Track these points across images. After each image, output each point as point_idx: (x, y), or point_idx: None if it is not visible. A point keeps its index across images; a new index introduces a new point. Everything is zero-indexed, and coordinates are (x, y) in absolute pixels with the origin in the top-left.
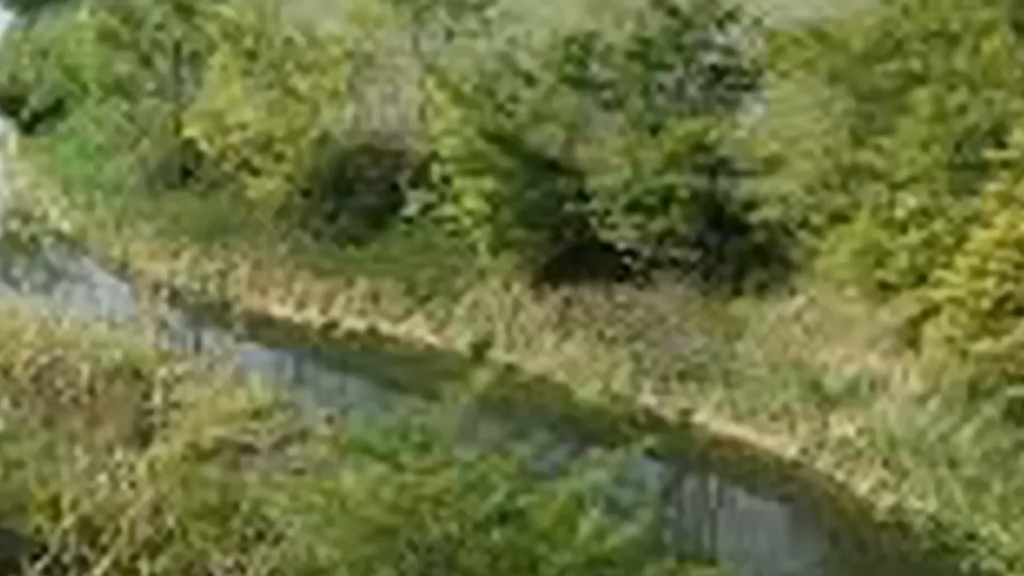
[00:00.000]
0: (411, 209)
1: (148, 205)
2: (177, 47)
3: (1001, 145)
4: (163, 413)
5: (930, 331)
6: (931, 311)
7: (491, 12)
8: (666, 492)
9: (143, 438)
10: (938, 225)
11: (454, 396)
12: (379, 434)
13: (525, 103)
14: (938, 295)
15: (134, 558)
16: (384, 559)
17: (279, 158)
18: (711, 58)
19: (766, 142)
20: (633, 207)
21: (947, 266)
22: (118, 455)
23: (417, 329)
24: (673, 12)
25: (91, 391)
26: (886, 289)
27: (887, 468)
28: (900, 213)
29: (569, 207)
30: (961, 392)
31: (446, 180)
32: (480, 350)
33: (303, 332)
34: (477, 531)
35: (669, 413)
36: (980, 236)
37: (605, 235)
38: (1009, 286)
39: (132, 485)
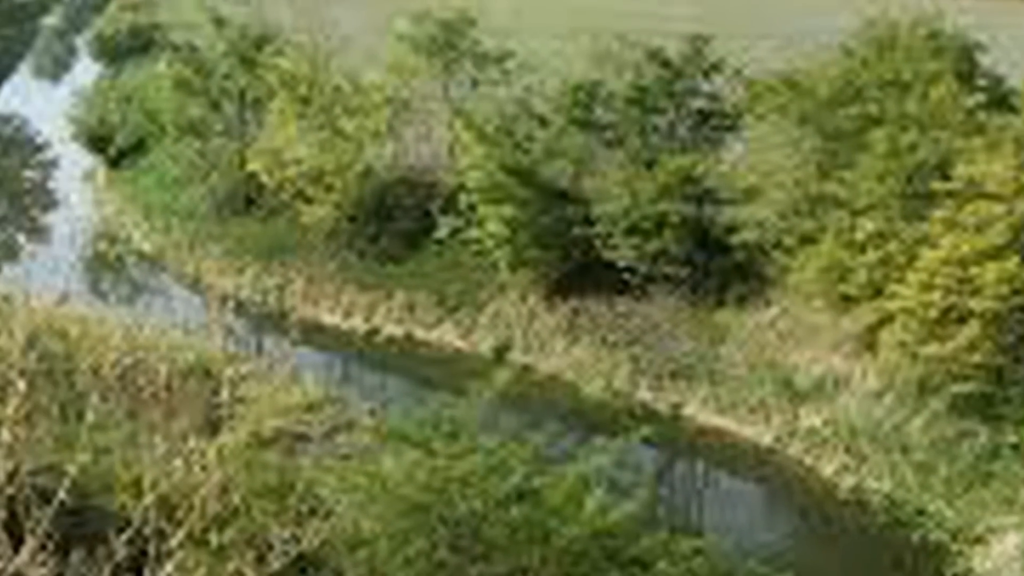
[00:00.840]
0: (442, 232)
1: (217, 229)
2: (242, 94)
3: (946, 178)
4: (230, 407)
5: (885, 337)
6: (886, 319)
7: (510, 64)
8: (660, 474)
9: (212, 428)
10: (892, 246)
11: (478, 392)
12: (414, 424)
13: (539, 142)
14: (892, 306)
15: (205, 531)
16: (418, 531)
17: (329, 189)
18: (698, 103)
19: (745, 175)
20: (631, 231)
21: (900, 281)
22: (191, 443)
23: (447, 335)
24: (666, 64)
25: (168, 388)
26: (848, 301)
27: (848, 454)
28: (860, 236)
29: (577, 230)
30: (912, 389)
31: (472, 207)
32: (501, 353)
33: (349, 337)
34: (498, 507)
35: (662, 407)
36: (928, 256)
37: (608, 254)
38: (953, 298)
39: (203, 468)
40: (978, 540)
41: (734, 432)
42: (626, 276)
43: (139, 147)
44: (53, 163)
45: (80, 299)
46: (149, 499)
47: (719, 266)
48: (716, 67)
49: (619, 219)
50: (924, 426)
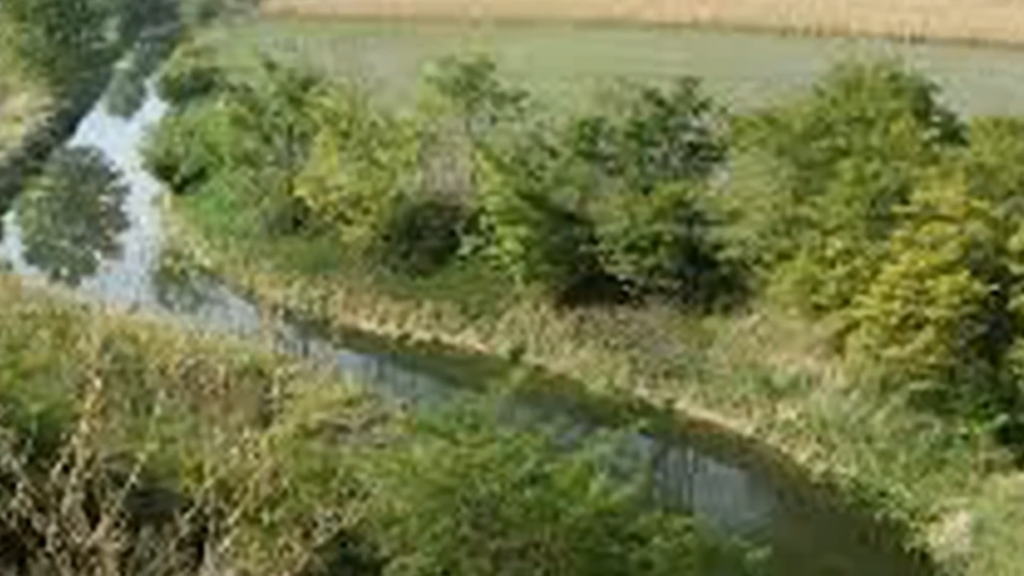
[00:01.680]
0: (465, 250)
1: (268, 246)
2: (290, 129)
3: (905, 202)
4: (279, 402)
5: (852, 341)
6: (853, 326)
7: (524, 103)
8: (655, 461)
9: (264, 421)
10: (858, 262)
11: (496, 389)
12: (440, 417)
13: (550, 170)
14: (858, 314)
15: (258, 510)
16: (444, 511)
17: (366, 212)
18: (689, 137)
19: (729, 200)
20: (630, 248)
21: (865, 292)
22: (246, 433)
23: (469, 339)
24: (660, 103)
25: (226, 385)
26: (819, 309)
27: (820, 443)
28: (829, 253)
29: (583, 248)
30: (875, 386)
31: (491, 228)
32: (516, 355)
33: (384, 342)
34: (514, 490)
35: (657, 402)
36: (889, 270)
37: (609, 269)
38: (911, 308)
39: (256, 456)
40: (933, 518)
41: (720, 424)
42: (626, 288)
43: (200, 175)
44: (125, 189)
45: (149, 308)
46: (209, 483)
47: (707, 279)
48: (704, 105)
49: (619, 238)
50: (886, 419)
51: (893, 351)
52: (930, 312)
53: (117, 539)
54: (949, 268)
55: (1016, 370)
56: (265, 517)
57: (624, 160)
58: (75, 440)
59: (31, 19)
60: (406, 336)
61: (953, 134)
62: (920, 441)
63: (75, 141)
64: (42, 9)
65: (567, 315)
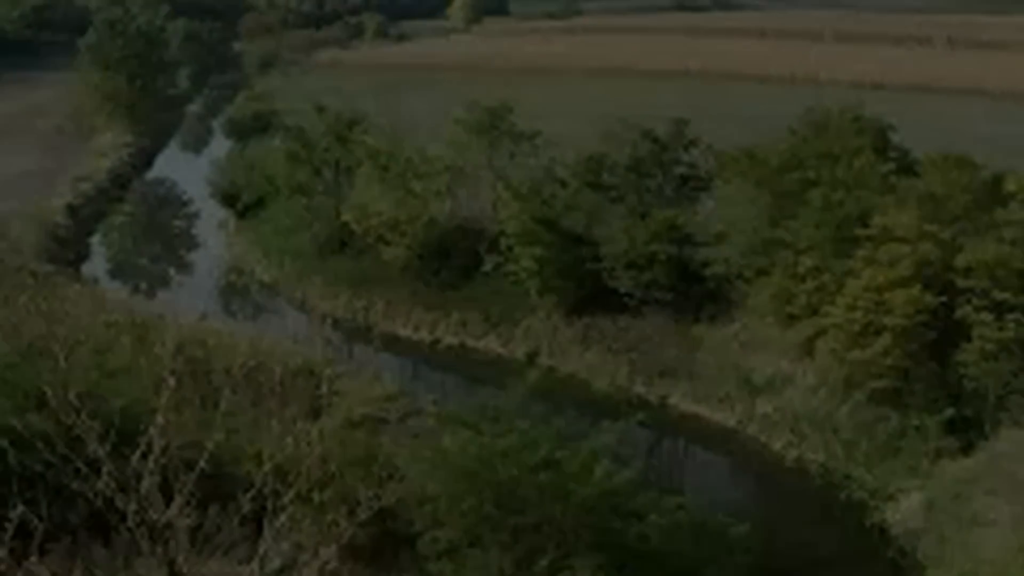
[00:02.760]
0: (487, 267)
1: (318, 264)
2: (337, 163)
3: (866, 226)
4: (328, 398)
5: (820, 345)
6: (821, 332)
7: (539, 141)
8: (651, 449)
9: (315, 414)
10: (826, 277)
11: (515, 387)
12: (467, 411)
13: (560, 199)
14: (826, 322)
15: (309, 491)
16: (469, 492)
17: (403, 234)
18: (680, 170)
19: (715, 224)
20: (630, 265)
21: (831, 303)
22: (299, 425)
23: (491, 344)
24: (655, 140)
25: (282, 384)
26: (792, 318)
27: (793, 433)
28: (801, 270)
29: (589, 265)
30: (841, 384)
31: (510, 248)
32: (531, 357)
33: (418, 346)
34: (530, 474)
35: (653, 398)
36: (852, 284)
37: (612, 283)
38: (871, 316)
39: (308, 444)
40: (890, 498)
41: (707, 417)
42: (626, 300)
43: (260, 203)
44: (195, 215)
45: (216, 317)
46: (267, 467)
47: (696, 292)
48: (693, 143)
49: (620, 257)
50: (849, 412)
51: (856, 354)
52: (888, 320)
53: (188, 516)
54: (904, 283)
55: (961, 370)
56: (316, 497)
57: (625, 190)
58: (152, 431)
59: (115, 69)
60: (437, 341)
61: (907, 168)
62: (879, 431)
63: (152, 174)
64: (124, 60)
65: (575, 323)
